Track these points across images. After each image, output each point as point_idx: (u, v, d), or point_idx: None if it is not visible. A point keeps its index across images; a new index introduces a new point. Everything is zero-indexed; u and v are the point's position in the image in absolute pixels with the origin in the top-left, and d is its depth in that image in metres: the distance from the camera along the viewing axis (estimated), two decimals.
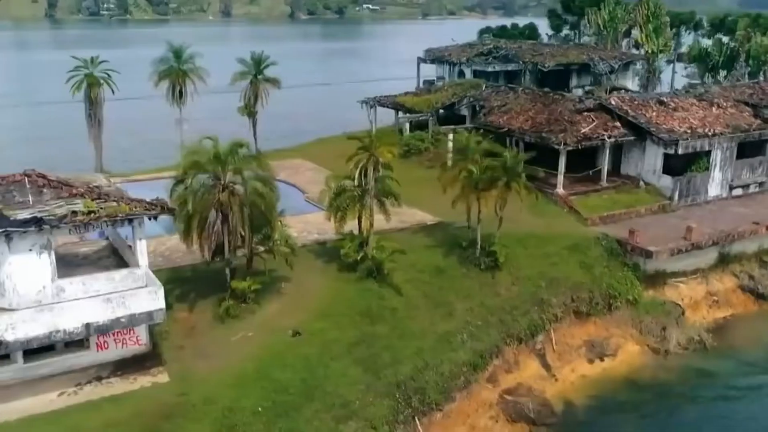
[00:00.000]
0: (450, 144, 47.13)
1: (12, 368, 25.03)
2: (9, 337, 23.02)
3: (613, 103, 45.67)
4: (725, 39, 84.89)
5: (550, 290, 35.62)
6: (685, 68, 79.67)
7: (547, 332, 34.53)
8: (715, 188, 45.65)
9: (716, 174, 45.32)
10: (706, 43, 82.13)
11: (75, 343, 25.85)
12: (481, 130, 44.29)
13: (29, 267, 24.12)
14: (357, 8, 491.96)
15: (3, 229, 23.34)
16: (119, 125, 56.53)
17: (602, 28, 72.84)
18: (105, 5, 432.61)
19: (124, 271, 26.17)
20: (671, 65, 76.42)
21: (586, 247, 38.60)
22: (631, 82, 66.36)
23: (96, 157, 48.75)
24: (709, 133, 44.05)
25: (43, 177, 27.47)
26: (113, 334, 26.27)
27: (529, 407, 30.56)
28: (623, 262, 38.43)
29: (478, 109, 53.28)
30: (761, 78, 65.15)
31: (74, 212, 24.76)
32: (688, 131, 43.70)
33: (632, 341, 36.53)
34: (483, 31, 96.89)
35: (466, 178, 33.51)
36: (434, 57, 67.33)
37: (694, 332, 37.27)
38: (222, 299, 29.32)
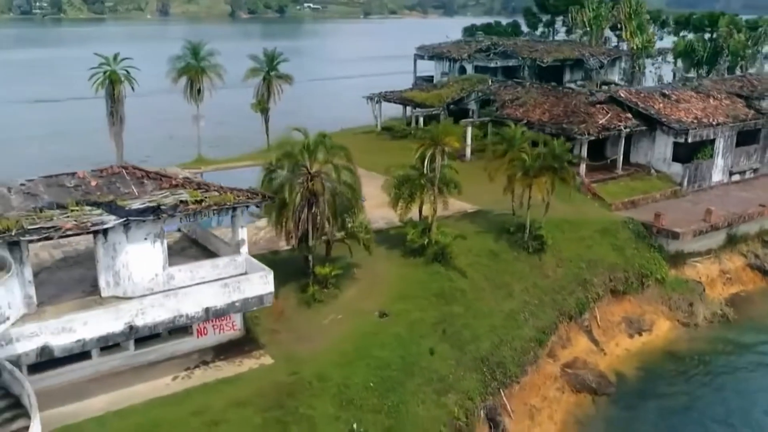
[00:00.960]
0: (469, 137, 49.03)
1: (123, 355, 25.64)
2: (138, 322, 23.72)
3: (622, 95, 48.42)
4: (690, 36, 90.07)
5: (590, 271, 37.93)
6: (654, 64, 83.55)
7: (591, 310, 36.81)
8: (717, 174, 48.94)
9: (719, 161, 48.59)
10: (673, 39, 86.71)
11: (178, 329, 26.61)
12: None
13: (144, 256, 24.84)
14: (298, 7, 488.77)
15: (124, 219, 24.04)
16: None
17: (587, 26, 76.22)
18: (37, 3, 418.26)
19: (226, 259, 27.08)
20: (656, 60, 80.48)
21: (616, 230, 41.07)
22: (618, 77, 69.74)
23: (117, 156, 48.68)
24: (714, 123, 47.24)
25: (140, 169, 28.20)
26: (212, 321, 27.11)
27: (590, 379, 32.77)
28: (650, 244, 41.07)
29: (477, 103, 55.42)
30: (738, 71, 69.53)
31: (183, 201, 25.60)
32: (695, 121, 46.74)
33: (663, 317, 39.13)
34: (467, 29, 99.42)
35: (518, 166, 35.37)
36: (433, 54, 69.20)
37: (716, 307, 40.26)
38: (304, 285, 30.43)
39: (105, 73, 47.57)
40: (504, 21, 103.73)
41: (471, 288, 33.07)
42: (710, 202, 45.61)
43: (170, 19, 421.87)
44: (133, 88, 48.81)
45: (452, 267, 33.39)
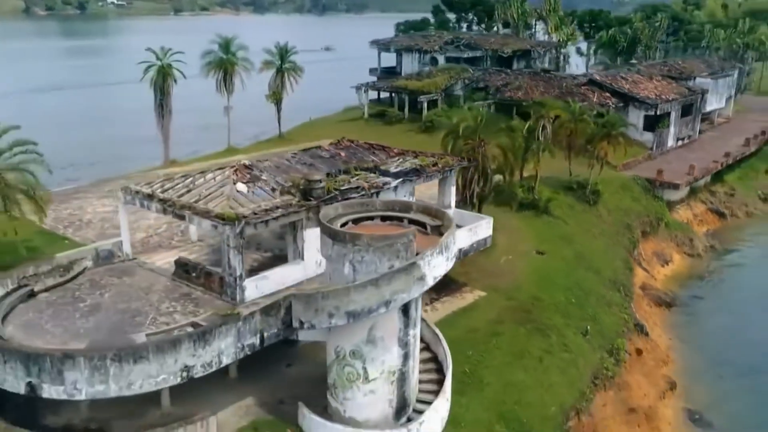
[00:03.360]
0: None
1: None
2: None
3: (598, 78, 58.51)
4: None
5: (628, 217, 47.22)
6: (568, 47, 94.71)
7: (638, 247, 46.08)
8: (671, 140, 60.62)
9: (672, 130, 60.25)
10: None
11: None
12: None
13: None
14: (100, 3, 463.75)
15: (401, 179, 29.12)
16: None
17: (515, 21, 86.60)
18: None
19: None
20: (583, 50, 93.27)
21: (630, 186, 50.82)
22: (549, 66, 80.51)
23: (164, 146, 50.54)
24: (671, 99, 58.69)
25: (364, 142, 32.93)
26: None
27: (663, 296, 41.95)
28: (654, 195, 51.29)
29: (463, 90, 63.25)
30: (649, 59, 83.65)
31: (421, 166, 31.00)
32: (658, 97, 57.90)
33: (674, 251, 49.44)
34: (400, 24, 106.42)
35: (584, 134, 43.61)
36: (400, 47, 75.61)
37: (705, 241, 51.36)
38: None
39: (155, 66, 49.21)
40: (408, 19, 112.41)
41: (574, 232, 40.93)
42: (675, 161, 57.04)
43: None
44: (175, 81, 50.73)
45: (556, 216, 40.98)
